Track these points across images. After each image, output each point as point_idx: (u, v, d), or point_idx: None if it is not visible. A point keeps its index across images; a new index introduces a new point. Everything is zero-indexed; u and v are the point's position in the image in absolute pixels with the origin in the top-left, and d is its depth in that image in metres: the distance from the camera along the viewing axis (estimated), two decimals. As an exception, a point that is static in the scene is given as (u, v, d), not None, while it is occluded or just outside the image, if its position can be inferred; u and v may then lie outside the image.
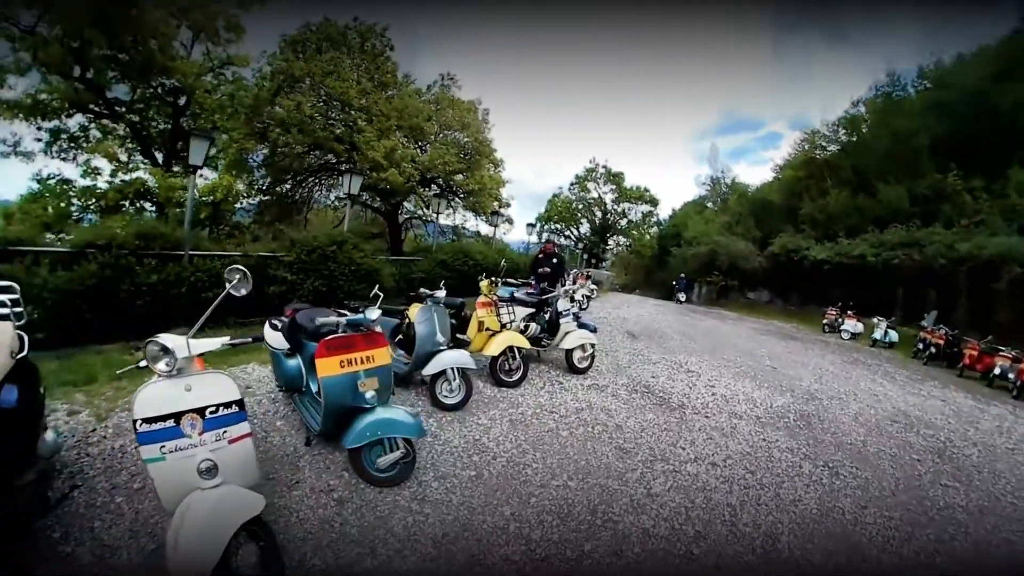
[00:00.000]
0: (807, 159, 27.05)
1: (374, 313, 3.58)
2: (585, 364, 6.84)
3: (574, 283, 13.01)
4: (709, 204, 38.24)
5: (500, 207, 20.88)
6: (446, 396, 4.99)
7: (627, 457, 4.44)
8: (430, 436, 4.30)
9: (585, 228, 43.99)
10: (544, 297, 7.04)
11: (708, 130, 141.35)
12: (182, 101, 15.76)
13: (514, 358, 5.93)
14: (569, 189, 43.46)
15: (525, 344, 5.99)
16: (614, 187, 42.05)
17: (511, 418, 4.99)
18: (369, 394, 3.46)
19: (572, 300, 7.32)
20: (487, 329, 6.13)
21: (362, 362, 3.51)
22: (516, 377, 5.96)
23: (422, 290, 5.46)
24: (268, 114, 14.35)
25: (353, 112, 16.43)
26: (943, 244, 17.38)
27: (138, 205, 14.68)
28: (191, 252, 7.67)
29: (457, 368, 4.97)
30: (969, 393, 9.05)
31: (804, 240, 22.72)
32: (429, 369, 4.90)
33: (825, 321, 17.37)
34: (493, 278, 6.93)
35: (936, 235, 18.13)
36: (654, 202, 42.15)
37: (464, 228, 23.28)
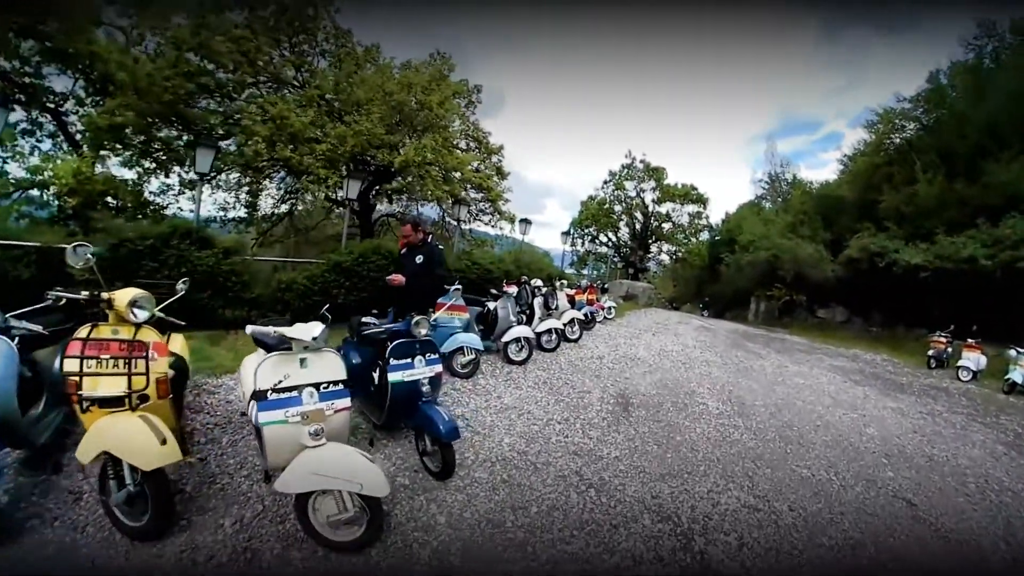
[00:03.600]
0: (880, 144, 22.29)
1: None
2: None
3: (550, 303, 9.31)
4: (767, 204, 33.44)
5: (493, 198, 17.10)
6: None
7: None
8: None
9: (624, 234, 39.39)
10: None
11: (761, 134, 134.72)
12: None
13: (122, 482, 2.81)
14: (603, 188, 38.86)
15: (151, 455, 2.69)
16: (654, 185, 37.30)
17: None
18: None
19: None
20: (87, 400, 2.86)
21: None
22: (143, 521, 2.84)
23: None
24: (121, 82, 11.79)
25: (232, 75, 13.42)
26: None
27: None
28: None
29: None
30: None
31: (890, 240, 17.88)
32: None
33: (931, 353, 12.69)
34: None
35: (1078, 226, 13.46)
36: (702, 201, 36.93)
37: (468, 231, 19.57)
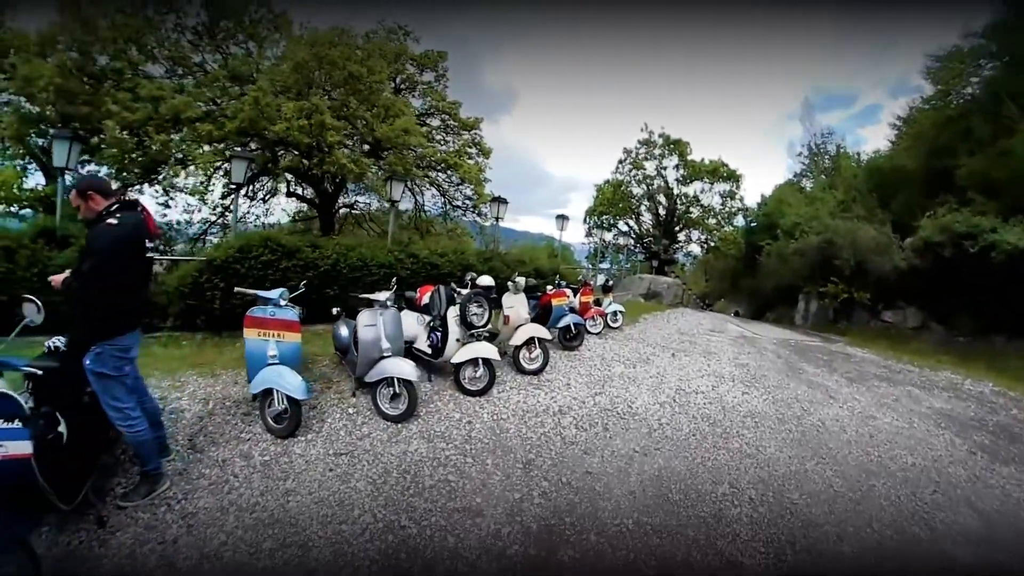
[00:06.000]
0: (948, 92, 18.01)
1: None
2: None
3: (474, 316, 5.84)
4: (808, 184, 29.11)
5: (464, 176, 13.97)
6: None
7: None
8: None
9: (647, 220, 35.10)
10: None
11: (793, 113, 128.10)
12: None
13: None
14: (618, 168, 34.08)
15: None
16: (677, 162, 32.36)
17: None
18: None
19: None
20: None
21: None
22: None
23: None
24: None
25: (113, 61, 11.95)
26: None
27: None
28: None
29: None
30: None
31: (981, 218, 13.43)
32: None
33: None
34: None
35: None
36: (735, 177, 31.93)
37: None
